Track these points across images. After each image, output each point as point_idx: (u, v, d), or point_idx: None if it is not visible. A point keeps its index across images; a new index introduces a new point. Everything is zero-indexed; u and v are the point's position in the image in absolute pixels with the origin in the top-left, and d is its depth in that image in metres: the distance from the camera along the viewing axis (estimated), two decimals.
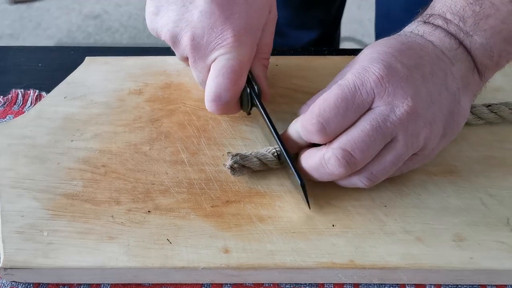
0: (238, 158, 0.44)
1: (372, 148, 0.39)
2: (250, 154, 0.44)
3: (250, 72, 0.47)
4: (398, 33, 0.44)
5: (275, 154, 0.45)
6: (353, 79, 0.39)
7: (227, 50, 0.44)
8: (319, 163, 0.40)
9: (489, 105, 0.49)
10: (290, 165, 0.42)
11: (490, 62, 0.43)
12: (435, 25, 0.43)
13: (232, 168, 0.44)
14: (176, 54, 0.48)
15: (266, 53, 0.49)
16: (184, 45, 0.45)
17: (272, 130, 0.44)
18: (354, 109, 0.39)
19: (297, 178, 0.42)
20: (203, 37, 0.44)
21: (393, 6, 0.80)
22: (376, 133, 0.38)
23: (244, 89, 0.46)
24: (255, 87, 0.47)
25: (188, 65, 0.48)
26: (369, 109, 0.39)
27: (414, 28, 0.44)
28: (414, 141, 0.39)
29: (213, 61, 0.45)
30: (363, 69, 0.39)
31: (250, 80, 0.47)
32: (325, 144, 0.41)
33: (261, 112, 0.46)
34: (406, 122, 0.39)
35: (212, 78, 0.45)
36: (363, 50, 0.42)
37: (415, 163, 0.43)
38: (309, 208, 0.43)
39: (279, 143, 0.44)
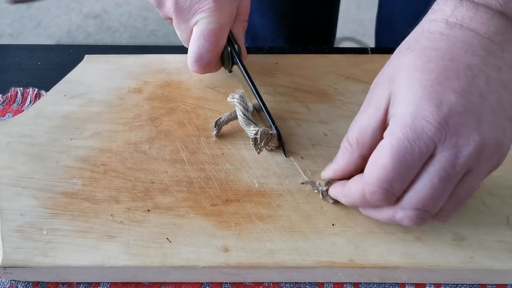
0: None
1: (445, 197, 0.35)
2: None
3: (231, 32, 0.51)
4: (430, 31, 0.37)
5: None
6: (405, 135, 0.34)
7: (208, 14, 0.48)
8: (390, 219, 0.37)
9: None
10: (269, 119, 0.48)
11: None
12: (475, 2, 0.36)
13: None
14: (160, 14, 0.51)
15: (244, 15, 0.52)
16: (168, 8, 0.48)
17: (251, 85, 0.49)
18: (415, 165, 0.34)
19: (275, 130, 0.47)
20: (186, 1, 0.47)
21: (397, 9, 0.79)
22: (446, 182, 0.34)
23: (225, 49, 0.50)
24: (235, 47, 0.51)
25: (171, 24, 0.51)
26: (432, 155, 0.34)
27: (450, 15, 0.36)
28: (488, 166, 0.35)
29: (195, 24, 0.48)
30: (413, 116, 0.34)
31: (231, 40, 0.51)
32: None
33: (240, 69, 0.51)
34: (477, 157, 0.34)
35: (194, 40, 0.48)
36: (393, 69, 0.36)
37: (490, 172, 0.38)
38: (285, 156, 0.46)
39: (257, 97, 0.49)
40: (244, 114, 0.47)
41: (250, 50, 0.59)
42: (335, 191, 0.41)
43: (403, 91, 0.35)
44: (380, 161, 0.35)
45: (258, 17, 0.81)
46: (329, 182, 0.42)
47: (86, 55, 0.57)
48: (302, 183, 0.44)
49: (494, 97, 0.34)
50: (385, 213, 0.37)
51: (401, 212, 0.36)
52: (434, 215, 0.36)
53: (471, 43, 0.35)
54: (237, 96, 0.48)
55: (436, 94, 0.33)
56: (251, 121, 0.47)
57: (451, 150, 0.34)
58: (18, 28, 2.00)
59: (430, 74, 0.34)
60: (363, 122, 0.37)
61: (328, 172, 0.41)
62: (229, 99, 0.49)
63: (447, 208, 0.36)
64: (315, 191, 0.43)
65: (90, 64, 0.56)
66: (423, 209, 0.35)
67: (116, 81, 0.54)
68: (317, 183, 0.43)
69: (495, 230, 0.41)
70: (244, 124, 0.47)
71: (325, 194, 0.43)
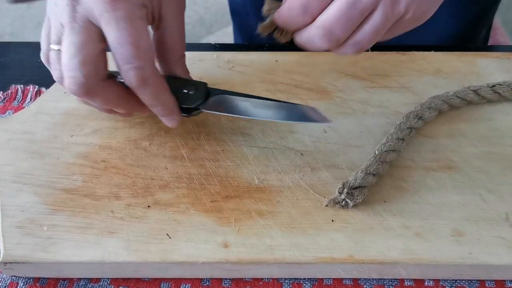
0: None
1: (351, 24, 0.39)
2: None
3: None
4: None
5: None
6: None
7: None
8: (308, 39, 0.41)
9: (493, 85, 0.51)
10: None
11: None
12: None
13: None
14: None
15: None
16: None
17: None
18: None
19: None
20: None
21: None
22: (352, 10, 0.39)
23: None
24: None
25: None
26: None
27: None
28: (395, 8, 0.39)
29: None
30: None
31: None
32: None
33: None
34: None
35: None
36: None
37: (403, 28, 0.42)
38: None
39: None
40: None
41: (250, 47, 0.59)
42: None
43: None
44: None
45: (254, 19, 0.81)
46: None
47: None
48: (326, 205, 0.43)
49: None
50: (305, 32, 0.41)
51: (313, 30, 0.40)
52: (341, 43, 0.41)
53: None
54: None
55: None
56: None
57: None
58: (19, 28, 2.00)
59: None
60: None
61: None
62: None
63: (355, 38, 0.41)
64: (339, 206, 0.43)
65: None
66: (330, 30, 0.40)
67: None
68: (336, 195, 0.43)
69: (494, 226, 0.42)
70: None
71: (347, 199, 0.42)
